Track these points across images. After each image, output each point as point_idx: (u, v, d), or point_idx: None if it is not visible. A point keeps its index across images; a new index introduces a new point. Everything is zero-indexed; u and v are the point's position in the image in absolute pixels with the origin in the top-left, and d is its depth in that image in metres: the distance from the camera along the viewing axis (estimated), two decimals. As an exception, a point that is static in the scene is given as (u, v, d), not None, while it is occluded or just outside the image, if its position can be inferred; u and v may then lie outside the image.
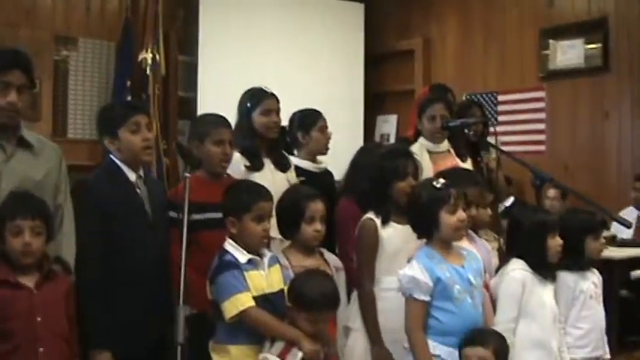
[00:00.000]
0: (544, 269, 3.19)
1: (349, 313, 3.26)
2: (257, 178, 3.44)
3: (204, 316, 2.97)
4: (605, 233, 5.77)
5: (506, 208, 4.98)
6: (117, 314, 2.93)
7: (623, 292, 5.98)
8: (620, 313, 5.49)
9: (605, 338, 3.49)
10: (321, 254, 3.23)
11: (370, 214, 3.23)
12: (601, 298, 3.47)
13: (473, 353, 2.77)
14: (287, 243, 3.22)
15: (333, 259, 3.29)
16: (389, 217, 3.21)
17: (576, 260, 3.39)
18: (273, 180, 3.47)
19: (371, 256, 3.21)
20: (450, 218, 2.86)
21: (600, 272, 3.57)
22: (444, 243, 2.91)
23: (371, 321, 3.18)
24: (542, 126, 7.01)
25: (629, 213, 6.22)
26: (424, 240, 2.97)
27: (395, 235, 3.20)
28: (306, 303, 2.79)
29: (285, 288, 2.92)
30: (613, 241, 5.95)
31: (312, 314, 2.79)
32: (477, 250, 3.18)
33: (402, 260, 3.03)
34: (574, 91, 6.88)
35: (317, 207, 3.12)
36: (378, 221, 3.21)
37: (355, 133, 7.11)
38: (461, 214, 2.87)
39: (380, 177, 3.26)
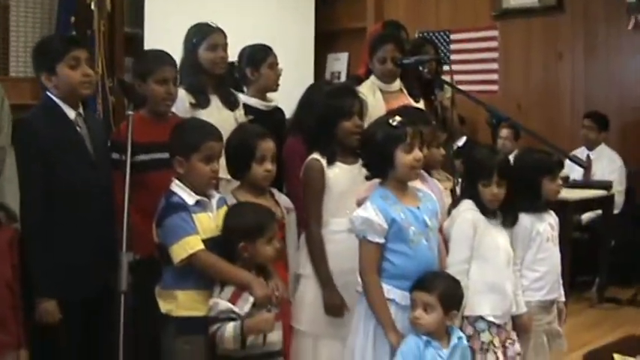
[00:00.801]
0: (487, 211, 3.18)
1: (299, 259, 3.25)
2: (203, 115, 3.38)
3: (151, 261, 2.92)
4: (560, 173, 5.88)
5: (458, 148, 4.98)
6: (60, 258, 2.88)
7: (575, 235, 6.08)
8: (572, 255, 5.59)
9: (561, 281, 3.51)
10: (272, 195, 3.20)
11: (315, 155, 3.21)
12: (557, 241, 3.48)
13: (418, 297, 2.76)
14: (236, 183, 3.18)
15: (284, 200, 3.25)
16: (335, 157, 3.19)
17: (532, 201, 3.39)
18: (220, 118, 3.39)
19: (317, 197, 3.19)
20: (405, 157, 2.81)
21: (557, 213, 3.58)
22: (398, 183, 2.87)
23: (320, 264, 3.17)
24: (495, 65, 7.01)
25: (580, 153, 6.29)
26: (376, 181, 2.93)
27: (342, 175, 3.18)
28: (253, 232, 2.79)
29: None
30: (566, 182, 6.01)
31: (247, 240, 2.79)
32: (430, 191, 3.15)
33: (350, 201, 3.02)
34: (528, 31, 6.88)
35: (267, 146, 3.07)
36: (323, 161, 3.19)
37: (305, 72, 7.04)
38: (417, 153, 2.82)
39: (325, 116, 3.22)
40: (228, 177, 3.20)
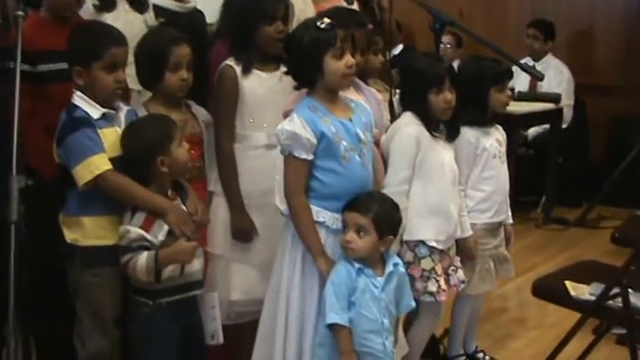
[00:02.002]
0: (432, 125, 3.15)
1: (212, 175, 3.20)
2: (108, 19, 3.20)
3: (56, 182, 2.84)
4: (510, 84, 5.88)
5: (394, 56, 4.87)
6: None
7: (519, 151, 6.13)
8: (517, 173, 5.63)
9: (508, 202, 3.53)
10: (189, 107, 3.13)
11: (230, 61, 3.15)
12: (505, 158, 3.48)
13: (350, 219, 2.70)
14: (148, 95, 3.09)
15: (203, 114, 3.16)
16: (251, 65, 3.13)
17: (478, 114, 3.36)
18: (127, 21, 3.20)
19: (228, 108, 3.14)
20: (335, 64, 2.71)
21: (504, 127, 3.58)
22: (328, 93, 2.78)
23: (229, 182, 3.15)
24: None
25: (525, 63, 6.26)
26: (304, 91, 2.84)
27: (259, 85, 3.13)
28: (151, 145, 2.74)
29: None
30: (511, 94, 6.02)
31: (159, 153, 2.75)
32: (366, 102, 3.09)
33: (270, 114, 3.03)
34: None
35: (182, 52, 2.97)
36: (238, 69, 3.12)
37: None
38: (348, 58, 2.73)
39: (243, 19, 3.13)
40: (140, 88, 3.10)
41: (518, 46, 6.52)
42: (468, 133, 3.32)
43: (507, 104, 3.48)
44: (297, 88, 2.87)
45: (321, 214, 2.73)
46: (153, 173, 2.75)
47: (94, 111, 2.73)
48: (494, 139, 3.42)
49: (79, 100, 2.74)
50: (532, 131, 6.33)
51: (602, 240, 4.14)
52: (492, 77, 3.37)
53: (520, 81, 6.24)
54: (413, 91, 3.17)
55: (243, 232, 3.15)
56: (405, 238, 3.10)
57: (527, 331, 4.15)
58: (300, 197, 2.72)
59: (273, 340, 2.80)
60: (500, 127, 3.50)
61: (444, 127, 3.21)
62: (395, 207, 2.81)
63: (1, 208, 2.64)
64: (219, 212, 3.17)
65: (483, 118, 3.39)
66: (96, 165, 2.65)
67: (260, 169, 3.08)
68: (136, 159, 2.75)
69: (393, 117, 3.32)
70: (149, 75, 2.99)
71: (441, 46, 6.13)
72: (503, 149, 3.46)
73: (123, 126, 2.80)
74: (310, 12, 3.58)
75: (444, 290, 3.15)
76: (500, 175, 3.43)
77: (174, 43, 2.97)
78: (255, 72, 3.13)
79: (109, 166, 2.67)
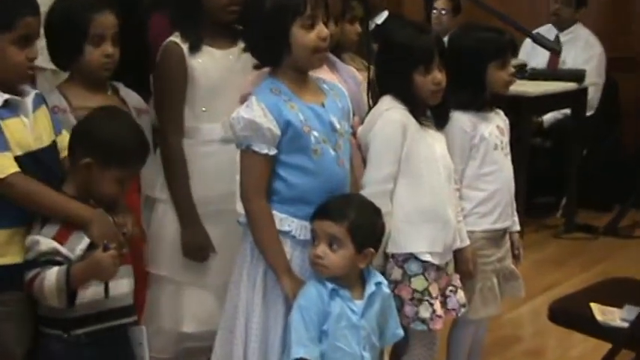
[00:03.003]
0: (418, 111, 3.19)
1: (155, 178, 3.24)
2: None
3: None
4: (512, 60, 5.91)
5: (377, 26, 4.93)
6: None
7: (534, 141, 6.15)
8: (531, 169, 5.67)
9: (514, 204, 3.57)
10: (116, 91, 3.15)
11: (175, 37, 3.20)
12: (509, 149, 3.53)
13: (320, 228, 2.73)
14: (64, 76, 3.11)
15: (133, 98, 3.20)
16: (200, 41, 3.20)
17: (474, 96, 3.41)
18: None
19: (175, 96, 3.19)
20: (305, 35, 2.74)
21: (506, 114, 3.62)
22: (296, 73, 2.82)
23: (178, 188, 3.19)
24: None
25: (546, 32, 6.30)
26: (265, 70, 2.88)
27: (212, 65, 3.19)
28: (115, 153, 2.73)
29: (62, 138, 2.87)
30: (523, 71, 6.05)
31: (123, 169, 2.75)
32: (343, 83, 3.13)
33: (227, 100, 3.05)
34: None
35: (106, 21, 3.00)
36: (185, 47, 3.17)
37: None
38: (321, 29, 2.76)
39: None
40: (51, 66, 3.12)
41: (533, 11, 6.58)
42: (461, 120, 3.37)
43: (510, 84, 3.52)
44: (257, 67, 2.90)
45: (287, 221, 2.77)
46: (78, 171, 2.76)
47: None
48: (495, 126, 3.47)
49: None
50: (549, 117, 6.36)
51: (637, 252, 4.19)
52: (491, 50, 3.41)
53: (537, 55, 6.28)
54: (395, 70, 3.21)
55: (196, 248, 3.19)
56: (391, 250, 3.13)
57: (544, 365, 4.19)
58: (260, 201, 2.75)
59: None
60: (501, 112, 3.55)
61: (431, 112, 3.26)
62: (376, 212, 2.85)
63: None
64: (167, 224, 3.22)
65: (481, 101, 3.43)
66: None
67: (216, 169, 3.13)
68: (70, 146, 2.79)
69: (375, 101, 3.35)
70: (64, 50, 3.01)
71: (435, 12, 6.30)
72: (507, 138, 3.51)
73: (30, 115, 2.79)
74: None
75: (439, 316, 3.17)
76: (503, 170, 3.47)
77: (95, 10, 2.99)
78: (207, 49, 3.18)
79: (14, 168, 2.67)
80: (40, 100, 2.86)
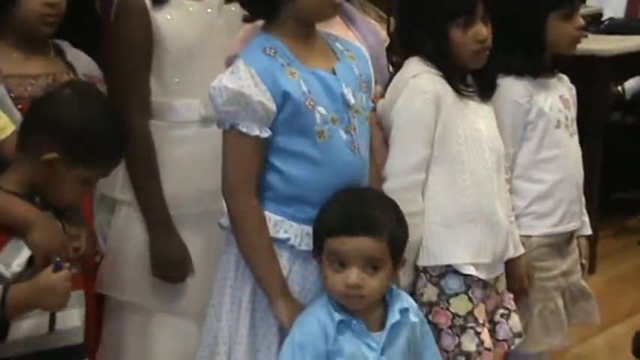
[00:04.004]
0: (457, 77, 3.19)
1: (115, 173, 3.18)
2: None
3: None
4: (582, 9, 5.88)
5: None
6: None
7: (612, 117, 6.11)
8: (608, 154, 5.62)
9: (583, 200, 3.57)
10: (60, 52, 3.16)
11: None
12: (575, 127, 3.53)
13: (351, 247, 2.67)
14: None
15: (84, 63, 3.24)
16: None
17: (531, 58, 3.42)
18: None
19: (137, 62, 3.21)
20: None
21: (574, 81, 3.63)
22: (299, 27, 2.81)
23: (145, 185, 3.22)
24: None
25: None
26: (258, 24, 2.87)
27: (186, 21, 3.25)
28: (90, 150, 2.74)
29: (7, 117, 2.89)
30: (597, 23, 6.01)
31: (95, 169, 2.79)
32: (362, 42, 3.14)
33: (206, 67, 3.09)
34: None
35: None
36: None
37: None
38: None
39: None
40: None
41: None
42: (513, 89, 3.39)
43: (578, 40, 3.53)
44: (247, 19, 2.90)
45: (284, 226, 2.76)
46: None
47: None
48: (557, 97, 3.47)
49: None
50: (632, 85, 6.34)
51: None
52: None
53: (611, 2, 6.27)
54: (425, 23, 3.19)
55: (170, 265, 3.18)
56: (424, 263, 3.12)
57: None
58: (249, 198, 2.74)
59: None
60: (566, 79, 3.56)
61: (474, 80, 3.26)
62: (401, 214, 2.84)
63: None
64: (131, 233, 3.23)
65: (539, 64, 3.44)
66: None
67: (195, 159, 3.15)
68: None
69: (398, 66, 3.33)
70: None
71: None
72: (573, 113, 3.52)
73: None
74: None
75: (488, 349, 3.16)
76: (568, 155, 3.48)
77: None
78: (178, 1, 3.19)
79: None
80: None
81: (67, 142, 2.69)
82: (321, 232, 2.70)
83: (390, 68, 3.41)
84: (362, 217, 2.70)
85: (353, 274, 2.64)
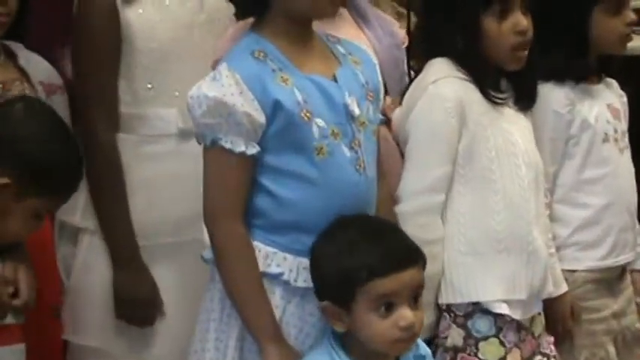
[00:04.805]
0: (489, 80, 3.23)
1: (76, 196, 3.21)
2: None
3: None
4: (633, 1, 5.89)
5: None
6: None
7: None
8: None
9: (638, 227, 3.59)
10: (12, 56, 3.22)
11: None
12: (627, 141, 3.56)
13: (401, 283, 2.68)
14: None
15: (40, 69, 3.29)
16: None
17: (573, 59, 3.44)
18: None
19: (104, 65, 3.24)
20: None
21: (624, 87, 3.65)
22: (293, 26, 2.85)
23: (111, 210, 3.24)
24: None
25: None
26: (248, 23, 2.91)
27: (161, 17, 3.29)
28: (47, 176, 2.82)
29: None
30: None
31: (49, 198, 2.87)
32: (371, 45, 3.19)
33: (185, 71, 3.14)
34: None
35: None
36: None
37: None
38: None
39: None
40: None
41: None
42: (553, 96, 3.42)
43: (628, 39, 3.55)
44: (237, 16, 2.93)
45: (276, 258, 2.79)
46: None
47: None
48: (605, 107, 3.50)
49: None
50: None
51: None
52: None
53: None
54: (452, 14, 3.23)
55: (136, 304, 3.22)
56: (447, 300, 3.17)
57: None
58: (234, 226, 2.76)
59: None
60: (615, 84, 3.58)
61: (511, 85, 3.28)
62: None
63: None
64: (96, 267, 3.27)
65: (582, 67, 3.47)
66: None
67: (172, 180, 3.20)
68: None
69: (419, 69, 3.36)
70: None
71: None
72: (624, 125, 3.54)
73: None
74: None
75: (523, 403, 3.21)
76: (618, 174, 3.50)
77: None
78: None
79: None
80: None
81: (23, 167, 2.76)
82: (358, 277, 2.64)
83: (412, 74, 3.43)
84: (405, 247, 2.75)
85: (408, 313, 2.66)
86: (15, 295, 2.82)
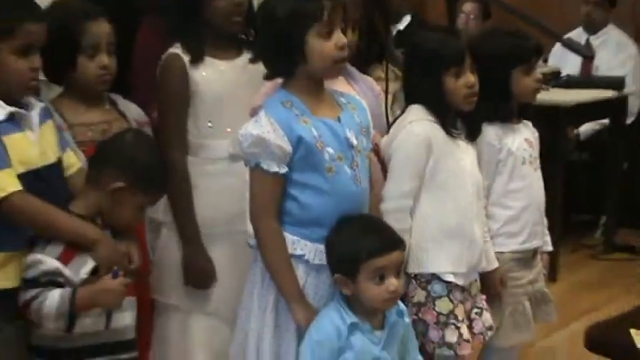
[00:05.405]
0: (449, 120, 3.22)
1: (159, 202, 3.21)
2: None
3: None
4: (544, 68, 5.89)
5: (399, 31, 4.95)
6: None
7: (571, 156, 6.12)
8: (568, 185, 5.65)
9: (546, 222, 3.57)
10: (114, 104, 3.17)
11: (175, 49, 3.21)
12: (538, 163, 3.53)
13: (390, 261, 2.73)
14: (57, 90, 3.14)
15: (134, 111, 3.23)
16: (203, 51, 3.20)
17: (499, 106, 3.42)
18: None
19: (178, 111, 3.20)
20: (322, 44, 2.73)
21: (538, 125, 3.63)
22: (311, 84, 2.82)
23: (182, 209, 3.20)
24: None
25: (577, 37, 6.31)
26: (278, 82, 2.88)
27: (216, 77, 3.21)
28: (152, 181, 2.85)
29: (68, 156, 2.89)
30: (556, 79, 6.03)
31: (150, 196, 2.89)
32: (361, 96, 3.14)
33: (234, 114, 3.07)
34: None
35: (99, 30, 3.01)
36: (186, 58, 3.18)
37: None
38: (339, 37, 2.76)
39: None
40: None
41: (562, 14, 6.58)
42: (487, 133, 3.39)
43: (537, 91, 3.53)
44: (268, 77, 2.91)
45: (300, 244, 2.77)
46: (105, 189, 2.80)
47: None
48: (523, 139, 3.48)
49: None
50: (586, 128, 6.32)
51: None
52: (515, 56, 3.43)
53: (569, 61, 6.27)
54: (424, 75, 3.22)
55: (197, 272, 3.19)
56: (414, 270, 3.15)
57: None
58: (271, 222, 2.75)
59: None
60: (529, 124, 3.56)
61: (463, 124, 3.28)
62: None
63: None
64: (171, 248, 3.23)
65: (506, 111, 3.45)
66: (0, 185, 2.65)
67: (224, 189, 3.13)
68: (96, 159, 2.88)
69: (402, 111, 3.36)
70: (56, 63, 2.99)
71: (461, 15, 6.32)
72: (536, 152, 3.52)
73: (36, 129, 2.81)
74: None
75: (466, 341, 3.18)
76: (532, 186, 3.48)
77: (88, 18, 3.00)
78: (210, 61, 3.19)
79: (17, 186, 2.68)
80: (47, 114, 2.89)
81: (136, 175, 2.77)
82: (359, 258, 2.69)
83: (389, 115, 3.41)
84: (392, 236, 2.78)
85: (395, 282, 2.71)
86: (130, 262, 2.84)
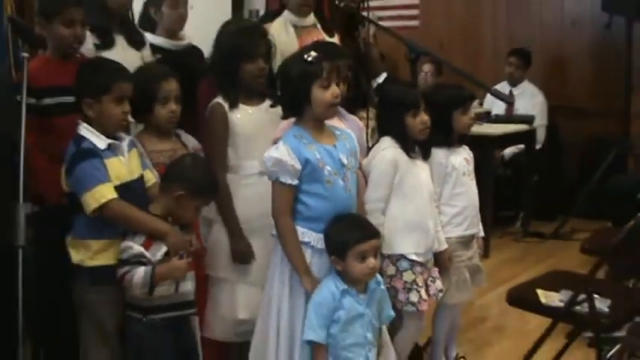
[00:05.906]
0: (409, 147, 3.20)
1: (211, 206, 3.18)
2: (108, 56, 3.18)
3: (55, 209, 2.87)
4: (479, 109, 5.92)
5: (378, 85, 4.93)
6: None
7: (498, 171, 6.14)
8: (495, 191, 5.66)
9: (479, 216, 3.54)
10: (178, 136, 3.15)
11: (218, 99, 3.17)
12: (473, 175, 3.50)
13: (372, 246, 2.70)
14: (140, 128, 3.13)
15: (192, 142, 3.18)
16: (237, 101, 3.14)
17: (445, 136, 3.40)
18: (126, 58, 3.16)
19: (221, 143, 3.15)
20: (322, 94, 2.71)
21: (475, 149, 3.61)
22: (315, 122, 2.79)
23: (226, 211, 3.15)
24: (415, 0, 7.01)
25: (502, 89, 6.33)
26: (292, 120, 2.85)
27: (246, 118, 3.15)
28: (201, 190, 2.81)
29: (146, 173, 2.90)
30: (488, 117, 6.09)
31: (203, 200, 2.84)
32: (350, 129, 3.10)
33: (261, 143, 3.01)
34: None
35: (170, 86, 3.00)
36: (226, 105, 3.13)
37: (224, 9, 6.82)
38: (334, 89, 2.73)
39: (227, 57, 3.15)
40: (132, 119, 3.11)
41: (494, 72, 6.59)
42: (437, 154, 3.36)
43: (471, 125, 3.51)
44: (284, 117, 2.89)
45: (307, 234, 2.73)
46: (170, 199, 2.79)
47: (100, 142, 2.74)
48: (463, 158, 3.45)
49: (86, 131, 2.76)
50: (508, 151, 6.32)
51: (575, 251, 4.14)
52: (454, 102, 3.41)
53: (497, 105, 6.28)
54: (391, 116, 3.22)
55: (241, 254, 3.15)
56: (387, 252, 3.13)
57: (507, 338, 4.13)
58: (287, 219, 2.72)
59: (265, 355, 2.81)
60: (467, 147, 3.53)
61: (419, 148, 3.26)
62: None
63: (9, 234, 2.74)
64: (221, 238, 3.18)
65: (450, 139, 3.43)
66: (102, 194, 2.66)
67: (255, 195, 3.08)
68: (167, 177, 2.85)
69: (376, 141, 3.34)
70: (140, 108, 2.99)
71: (422, 73, 6.34)
72: (471, 167, 3.49)
73: (126, 155, 2.82)
74: (294, 45, 3.58)
75: (424, 300, 3.18)
76: (470, 191, 3.45)
77: (163, 78, 2.99)
78: (243, 107, 3.15)
79: (114, 194, 2.69)
80: (133, 144, 2.90)
81: (190, 185, 2.76)
82: (348, 244, 2.66)
83: (369, 143, 3.39)
84: (371, 228, 2.75)
85: (374, 261, 2.69)
86: (191, 247, 2.83)
